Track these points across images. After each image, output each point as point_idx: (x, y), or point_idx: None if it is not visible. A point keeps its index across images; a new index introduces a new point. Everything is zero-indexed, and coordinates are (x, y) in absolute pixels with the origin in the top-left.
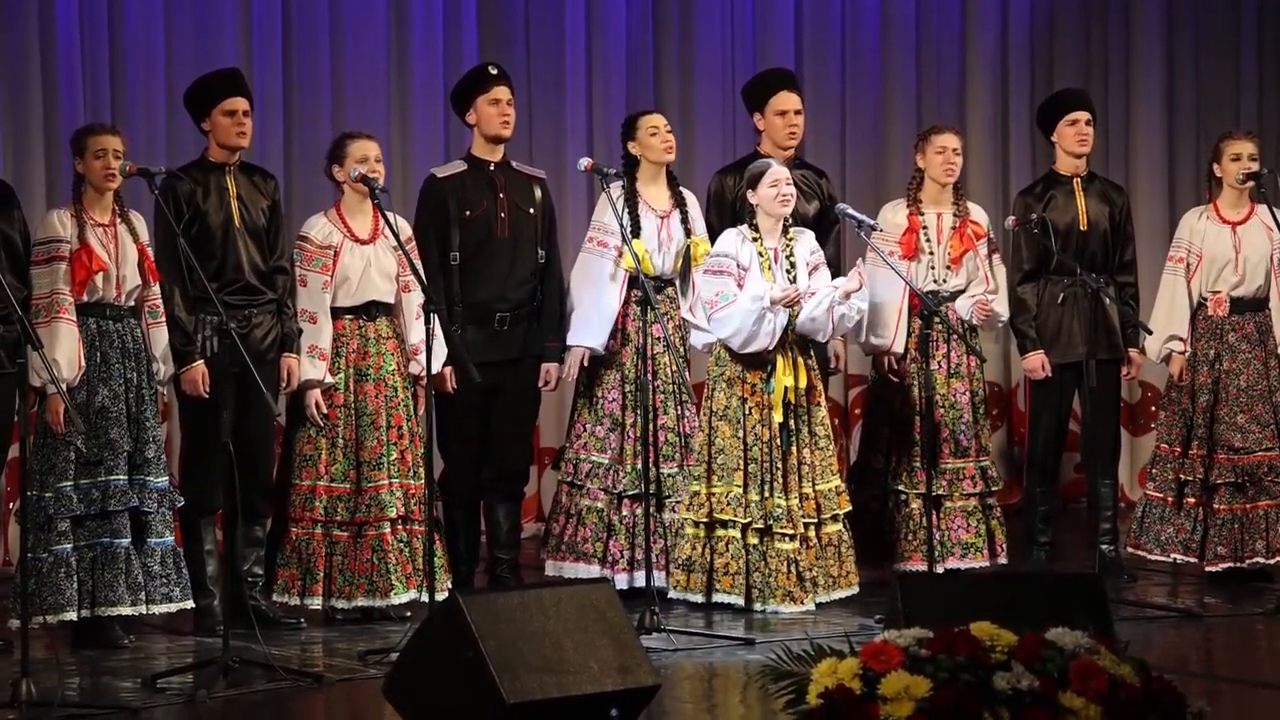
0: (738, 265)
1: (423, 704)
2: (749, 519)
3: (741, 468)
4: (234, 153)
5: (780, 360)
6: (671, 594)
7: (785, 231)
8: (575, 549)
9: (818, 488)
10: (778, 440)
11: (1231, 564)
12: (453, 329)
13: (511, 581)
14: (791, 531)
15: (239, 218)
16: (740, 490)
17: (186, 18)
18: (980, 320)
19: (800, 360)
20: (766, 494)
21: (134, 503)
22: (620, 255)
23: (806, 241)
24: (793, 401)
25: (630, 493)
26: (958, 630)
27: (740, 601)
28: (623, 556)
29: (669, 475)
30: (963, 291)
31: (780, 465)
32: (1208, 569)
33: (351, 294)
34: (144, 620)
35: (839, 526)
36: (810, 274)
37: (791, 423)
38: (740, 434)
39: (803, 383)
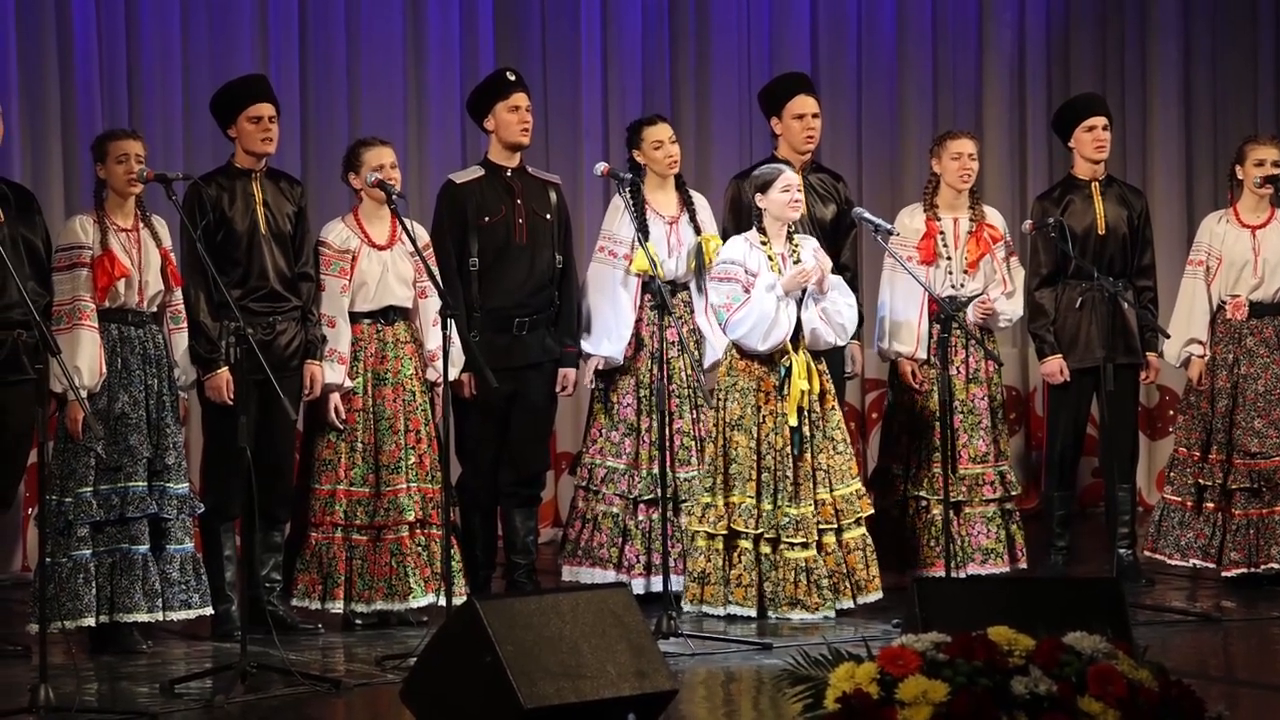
0: (745, 271)
1: (440, 709)
2: (761, 529)
3: (754, 477)
4: (260, 159)
5: (796, 364)
6: (687, 607)
7: (790, 237)
8: (591, 554)
9: (836, 493)
10: (789, 448)
11: (1246, 569)
12: (470, 335)
13: (529, 586)
14: (802, 540)
15: (265, 224)
16: (753, 501)
17: (203, 24)
18: (979, 317)
19: (812, 365)
20: (778, 503)
21: (153, 509)
22: (630, 263)
23: (810, 247)
24: (805, 407)
25: (646, 498)
26: (975, 635)
27: (753, 613)
28: (639, 561)
29: (685, 479)
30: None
31: (792, 473)
32: (1223, 574)
33: (369, 299)
34: (162, 626)
35: (861, 531)
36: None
37: (805, 429)
38: (754, 443)
39: (815, 388)
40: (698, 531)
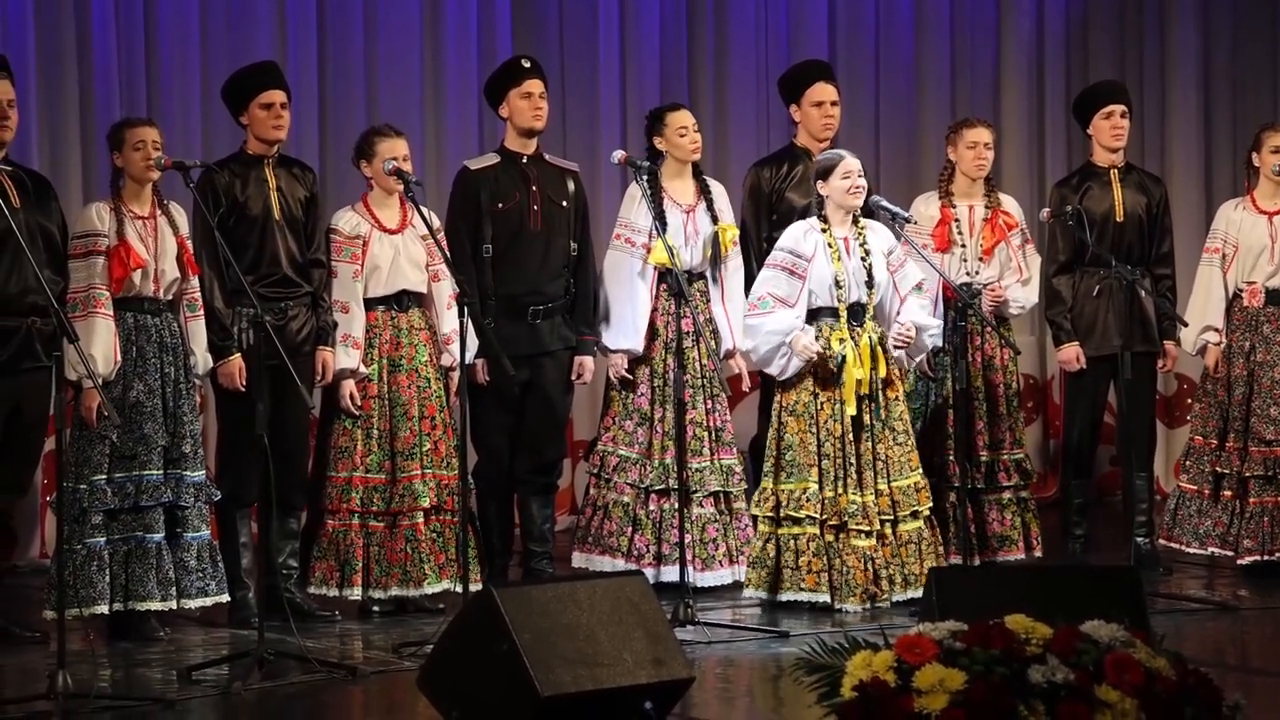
0: (798, 259)
1: (457, 696)
2: (825, 515)
3: (815, 463)
4: (272, 145)
5: (851, 353)
6: (749, 593)
7: (855, 221)
8: (601, 542)
9: (894, 484)
10: (849, 435)
11: (1258, 557)
12: (485, 322)
13: (545, 574)
14: (867, 528)
15: (278, 210)
16: (815, 487)
17: (221, 11)
18: (990, 305)
19: (879, 351)
20: (840, 490)
21: (167, 498)
22: (648, 251)
23: (881, 234)
24: (866, 394)
25: (657, 487)
26: (993, 623)
27: (826, 599)
28: (648, 551)
29: (696, 470)
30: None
31: (854, 460)
32: (1238, 562)
33: (383, 283)
34: (180, 613)
35: (918, 524)
36: (897, 270)
37: (866, 417)
38: (813, 429)
39: (881, 373)
40: (757, 515)
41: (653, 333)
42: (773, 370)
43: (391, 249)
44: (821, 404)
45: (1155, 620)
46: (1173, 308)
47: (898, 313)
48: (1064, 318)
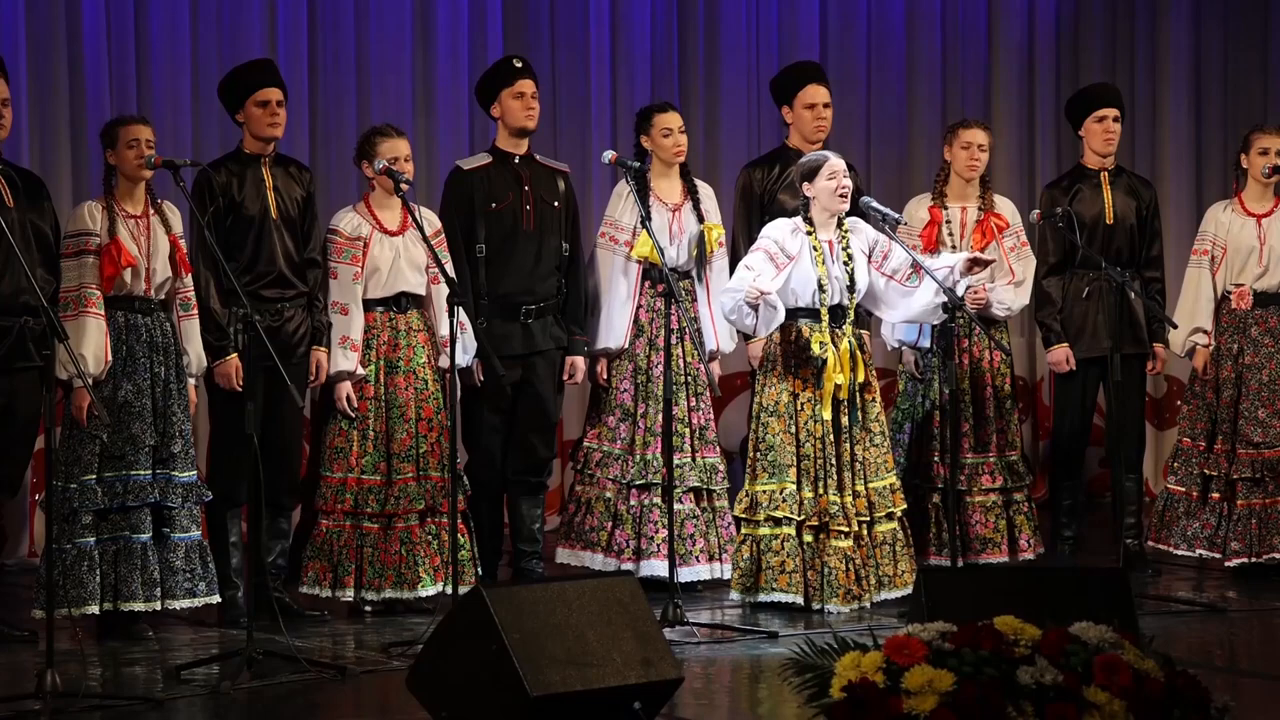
0: (782, 251)
1: (446, 696)
2: (803, 516)
3: (795, 464)
4: (268, 144)
5: (832, 357)
6: (734, 595)
7: (840, 224)
8: (583, 537)
9: (870, 485)
10: (830, 436)
11: (1246, 559)
12: (478, 322)
13: (535, 574)
14: (847, 529)
15: (275, 209)
16: (793, 487)
17: (212, 10)
18: (973, 308)
19: (859, 356)
20: (820, 491)
21: (154, 498)
22: (631, 249)
23: (862, 232)
24: (844, 399)
25: (638, 482)
26: (982, 624)
27: (800, 600)
28: (628, 546)
29: (676, 465)
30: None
31: (834, 462)
32: (1226, 564)
33: (382, 285)
34: (169, 612)
35: (893, 525)
36: (882, 263)
37: (844, 419)
38: (793, 430)
39: (860, 377)
40: (738, 517)
41: (637, 329)
42: (747, 330)
43: (392, 251)
44: (801, 405)
45: (1144, 622)
46: (1162, 310)
47: (917, 285)
48: (1054, 319)
